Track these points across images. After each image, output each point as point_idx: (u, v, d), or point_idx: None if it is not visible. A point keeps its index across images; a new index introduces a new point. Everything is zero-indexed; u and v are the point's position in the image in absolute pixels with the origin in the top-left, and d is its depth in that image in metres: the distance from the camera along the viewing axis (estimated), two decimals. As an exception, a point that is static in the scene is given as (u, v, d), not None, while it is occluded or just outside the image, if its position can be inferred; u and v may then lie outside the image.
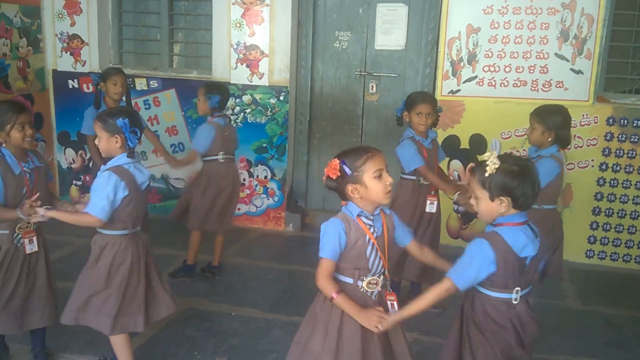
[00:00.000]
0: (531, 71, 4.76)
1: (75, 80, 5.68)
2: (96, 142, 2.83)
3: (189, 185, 4.25)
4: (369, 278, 2.30)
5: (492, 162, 2.16)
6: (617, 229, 4.80)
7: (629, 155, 4.69)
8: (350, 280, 2.31)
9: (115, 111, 2.91)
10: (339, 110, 5.53)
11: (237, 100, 5.29)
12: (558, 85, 4.73)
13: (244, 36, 5.22)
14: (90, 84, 5.56)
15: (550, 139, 3.35)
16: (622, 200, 4.76)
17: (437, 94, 4.95)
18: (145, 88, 5.54)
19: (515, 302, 2.22)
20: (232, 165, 4.32)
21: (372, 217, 2.31)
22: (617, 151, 4.70)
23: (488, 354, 2.25)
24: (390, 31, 5.26)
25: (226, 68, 5.32)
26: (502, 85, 4.84)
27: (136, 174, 2.82)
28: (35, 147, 5.42)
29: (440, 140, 4.90)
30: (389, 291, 2.37)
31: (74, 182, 5.89)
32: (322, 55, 5.47)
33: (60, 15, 5.59)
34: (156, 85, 5.53)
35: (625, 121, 4.66)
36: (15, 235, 2.94)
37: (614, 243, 4.84)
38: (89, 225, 2.77)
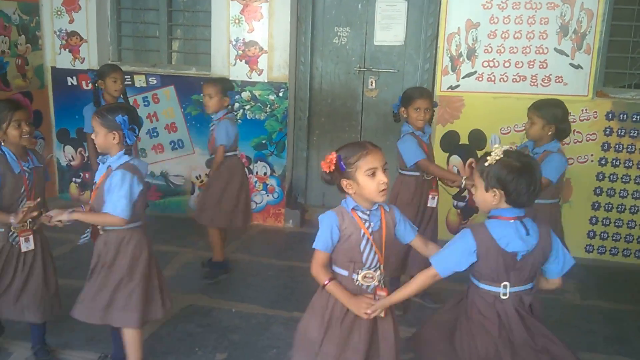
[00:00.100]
0: (530, 66, 4.76)
1: (74, 78, 5.67)
2: (93, 136, 2.82)
3: (209, 184, 4.17)
4: (364, 272, 2.31)
5: (494, 154, 2.19)
6: (616, 224, 4.81)
7: (628, 149, 4.69)
8: (345, 273, 2.33)
9: (115, 107, 2.91)
10: (339, 106, 5.52)
11: (237, 96, 5.28)
12: (557, 80, 4.73)
13: (242, 32, 5.22)
14: (88, 82, 5.54)
15: (550, 133, 3.37)
16: (621, 194, 4.76)
17: (436, 89, 4.95)
18: (144, 85, 5.54)
19: (503, 297, 2.22)
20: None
21: (368, 212, 2.32)
22: (617, 146, 4.70)
23: (470, 344, 2.27)
24: (390, 27, 5.25)
25: (225, 64, 5.32)
26: (502, 80, 4.83)
27: (140, 166, 2.85)
28: (35, 145, 5.45)
29: (439, 136, 4.94)
30: (382, 287, 2.37)
31: (74, 179, 5.89)
32: (321, 51, 5.46)
33: (59, 12, 5.58)
34: (155, 82, 5.52)
35: (625, 116, 4.66)
36: (10, 233, 2.95)
37: (614, 238, 4.84)
38: (112, 225, 2.76)
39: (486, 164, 2.20)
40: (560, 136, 3.43)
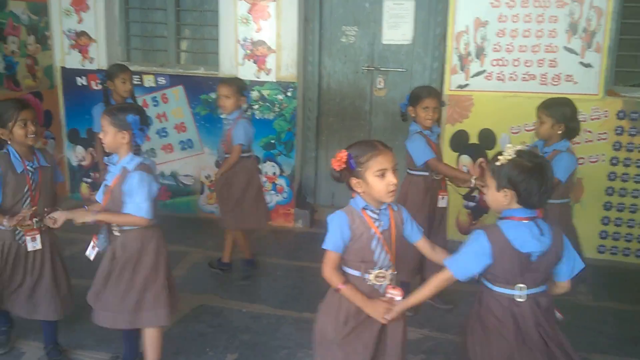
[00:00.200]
0: (540, 65, 4.73)
1: (84, 78, 5.69)
2: (101, 135, 2.80)
3: (230, 187, 4.12)
4: (376, 271, 2.31)
5: (507, 153, 2.17)
6: (629, 224, 4.77)
7: (640, 149, 4.67)
8: (357, 273, 2.33)
9: (125, 107, 2.92)
10: (347, 106, 5.51)
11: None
12: (567, 79, 4.70)
13: (250, 32, 5.22)
14: (97, 82, 5.56)
15: (560, 132, 3.37)
16: (633, 194, 4.72)
17: (445, 88, 4.93)
18: (153, 85, 5.55)
19: (519, 300, 2.21)
20: None
21: (377, 211, 2.32)
22: (628, 145, 4.66)
23: (485, 352, 2.25)
24: (398, 25, 5.24)
25: (233, 64, 5.32)
26: (511, 79, 4.81)
27: (151, 165, 2.87)
28: (45, 145, 5.48)
29: (448, 136, 4.92)
30: (393, 285, 2.37)
31: (84, 179, 5.91)
32: (329, 51, 5.45)
33: (68, 12, 5.60)
34: (164, 82, 5.53)
35: (636, 115, 4.62)
36: (17, 232, 2.98)
37: (626, 238, 4.81)
38: (136, 225, 2.77)
39: (498, 163, 2.19)
40: (569, 135, 3.41)
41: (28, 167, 2.98)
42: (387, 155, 2.26)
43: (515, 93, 4.79)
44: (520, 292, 2.20)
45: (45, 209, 2.97)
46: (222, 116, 4.17)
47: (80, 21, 5.59)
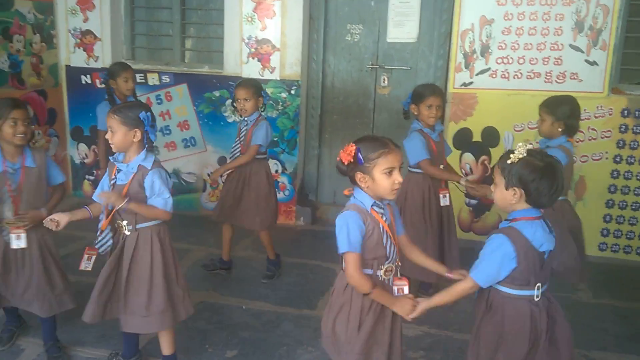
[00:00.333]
0: (545, 63, 4.70)
1: (88, 76, 5.71)
2: (107, 136, 2.76)
3: (257, 190, 4.11)
4: (385, 266, 2.31)
5: (518, 152, 2.15)
6: (630, 222, 4.74)
7: (644, 147, 4.64)
8: (370, 272, 2.31)
9: (133, 105, 2.90)
10: (351, 104, 5.51)
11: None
12: (572, 77, 4.67)
13: (255, 30, 5.22)
14: (100, 82, 5.58)
15: (560, 129, 3.36)
16: (636, 192, 4.69)
17: (449, 86, 4.92)
18: (158, 83, 5.57)
19: (537, 299, 2.20)
20: None
21: (383, 207, 2.32)
22: (632, 143, 4.63)
23: (500, 356, 2.23)
24: (403, 23, 5.22)
25: (238, 62, 5.32)
26: (516, 77, 4.78)
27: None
28: (48, 143, 5.50)
29: (452, 133, 4.90)
30: (399, 277, 2.37)
31: (87, 177, 5.94)
32: (333, 49, 5.45)
33: (73, 11, 5.62)
34: (168, 80, 5.55)
35: (641, 113, 4.60)
36: (2, 229, 2.99)
37: (628, 236, 4.78)
38: (158, 218, 2.79)
39: (508, 161, 2.16)
40: (569, 133, 3.39)
41: (8, 168, 2.97)
42: (397, 154, 2.26)
43: (520, 91, 4.77)
44: (537, 292, 2.20)
45: (20, 213, 2.98)
46: (242, 118, 4.11)
47: (85, 20, 5.62)
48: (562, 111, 3.34)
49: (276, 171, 5.41)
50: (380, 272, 2.31)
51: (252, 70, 5.27)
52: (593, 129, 4.65)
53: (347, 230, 2.23)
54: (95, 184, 5.81)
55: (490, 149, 4.90)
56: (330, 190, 5.66)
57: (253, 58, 5.28)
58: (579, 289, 4.19)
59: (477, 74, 4.85)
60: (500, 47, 4.77)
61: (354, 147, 2.24)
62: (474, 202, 5.01)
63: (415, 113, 3.72)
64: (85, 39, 5.66)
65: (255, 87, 4.07)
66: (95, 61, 5.66)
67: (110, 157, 2.85)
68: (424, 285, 3.88)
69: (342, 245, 2.24)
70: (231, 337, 3.44)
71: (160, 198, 2.75)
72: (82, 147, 5.89)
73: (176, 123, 5.58)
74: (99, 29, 5.61)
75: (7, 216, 2.99)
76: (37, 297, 3.07)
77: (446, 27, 5.04)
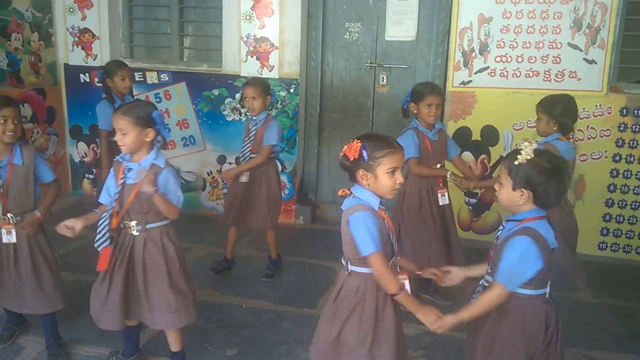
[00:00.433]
0: (544, 61, 4.71)
1: (87, 74, 5.70)
2: (117, 138, 2.71)
3: (268, 189, 4.13)
4: (391, 262, 2.30)
5: (525, 152, 2.14)
6: (630, 221, 4.75)
7: (643, 146, 4.64)
8: None
9: (141, 104, 2.90)
10: (350, 102, 5.51)
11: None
12: (571, 76, 4.68)
13: (254, 28, 5.21)
14: (97, 81, 5.56)
15: (555, 128, 3.38)
16: (635, 192, 4.70)
17: (448, 85, 4.92)
18: (156, 82, 5.56)
19: (547, 297, 2.23)
20: None
21: (384, 204, 2.33)
22: (631, 142, 4.64)
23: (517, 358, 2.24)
24: (401, 22, 5.22)
25: (236, 61, 5.32)
26: (514, 75, 4.79)
27: None
28: (47, 143, 5.49)
29: (451, 132, 4.90)
30: (398, 271, 2.37)
31: (86, 175, 5.93)
32: (332, 47, 5.45)
33: (71, 9, 5.61)
34: (167, 78, 5.54)
35: (639, 111, 4.60)
36: None
37: (627, 235, 4.79)
38: (171, 215, 2.79)
39: (516, 162, 2.15)
40: (563, 131, 3.40)
41: None
42: (401, 155, 2.26)
43: (519, 89, 4.77)
44: (549, 289, 2.22)
45: (8, 214, 3.00)
46: (250, 116, 4.11)
47: (83, 18, 5.61)
48: (556, 110, 3.37)
49: (275, 170, 5.40)
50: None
51: (250, 68, 5.27)
52: (592, 128, 4.66)
53: (368, 231, 2.21)
54: (94, 182, 5.83)
55: (489, 147, 4.91)
56: (330, 189, 5.66)
57: (252, 56, 5.27)
58: (579, 289, 4.19)
59: (475, 73, 4.86)
60: (498, 46, 4.78)
61: (359, 144, 2.22)
62: (473, 201, 5.02)
63: (415, 112, 3.71)
64: (84, 37, 5.65)
65: (263, 85, 4.07)
66: (94, 59, 5.65)
67: (117, 157, 2.81)
68: (423, 285, 3.89)
69: (367, 246, 2.21)
70: (231, 336, 3.44)
71: (174, 195, 2.76)
72: (82, 145, 5.88)
73: (175, 122, 5.58)
74: (97, 27, 5.60)
75: None
76: (28, 294, 3.05)
77: (444, 25, 5.04)
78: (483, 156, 4.93)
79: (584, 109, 4.61)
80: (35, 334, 3.32)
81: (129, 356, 3.08)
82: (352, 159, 2.23)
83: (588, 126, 4.65)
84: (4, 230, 2.99)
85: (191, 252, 4.62)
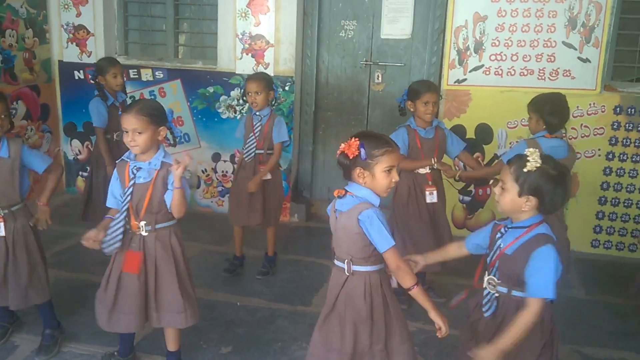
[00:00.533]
0: (538, 60, 4.72)
1: (81, 71, 5.68)
2: (128, 139, 2.65)
3: (274, 186, 4.16)
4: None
5: (533, 160, 2.14)
6: (623, 219, 4.78)
7: (636, 144, 4.66)
8: (382, 266, 2.34)
9: (152, 102, 2.89)
10: (345, 100, 5.51)
11: (243, 90, 5.28)
12: (565, 74, 4.69)
13: (249, 26, 5.21)
14: (89, 78, 5.54)
15: (544, 126, 3.40)
16: (628, 189, 4.73)
17: (443, 83, 4.93)
18: (151, 79, 5.55)
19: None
20: None
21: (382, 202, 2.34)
22: (624, 140, 4.66)
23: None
24: (397, 20, 5.23)
25: (231, 58, 5.31)
26: (509, 74, 4.80)
27: None
28: (41, 139, 5.46)
29: (445, 130, 4.91)
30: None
31: (80, 173, 5.91)
32: (327, 45, 5.44)
33: (66, 6, 5.59)
34: (162, 75, 5.53)
35: (633, 110, 4.62)
36: None
37: (620, 233, 4.82)
38: (181, 212, 2.75)
39: (525, 169, 2.14)
40: (549, 130, 3.40)
41: None
42: (398, 153, 2.29)
43: (513, 88, 4.79)
44: None
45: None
46: (255, 112, 4.09)
47: (78, 15, 5.59)
48: (545, 108, 3.38)
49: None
50: (384, 267, 2.35)
51: (246, 66, 5.26)
52: (586, 126, 4.68)
53: (383, 227, 2.22)
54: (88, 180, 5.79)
55: (484, 145, 4.92)
56: (325, 186, 5.67)
57: (247, 54, 5.26)
58: (572, 286, 4.21)
59: (470, 71, 4.87)
60: (493, 44, 4.79)
61: (358, 142, 2.23)
62: (467, 199, 5.04)
63: (412, 110, 3.72)
64: (78, 34, 5.63)
65: (267, 80, 4.06)
66: (89, 56, 5.63)
67: (124, 156, 2.77)
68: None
69: (387, 241, 2.23)
70: (225, 334, 3.44)
71: (187, 194, 2.75)
72: (76, 143, 5.87)
73: (170, 119, 5.54)
74: (91, 23, 5.58)
75: None
76: (11, 287, 3.02)
77: (440, 23, 5.05)
78: (477, 154, 4.94)
79: (577, 107, 4.63)
80: (29, 332, 3.31)
81: (125, 355, 3.08)
82: (350, 157, 2.24)
83: (582, 124, 4.68)
84: None
85: (186, 250, 4.60)
